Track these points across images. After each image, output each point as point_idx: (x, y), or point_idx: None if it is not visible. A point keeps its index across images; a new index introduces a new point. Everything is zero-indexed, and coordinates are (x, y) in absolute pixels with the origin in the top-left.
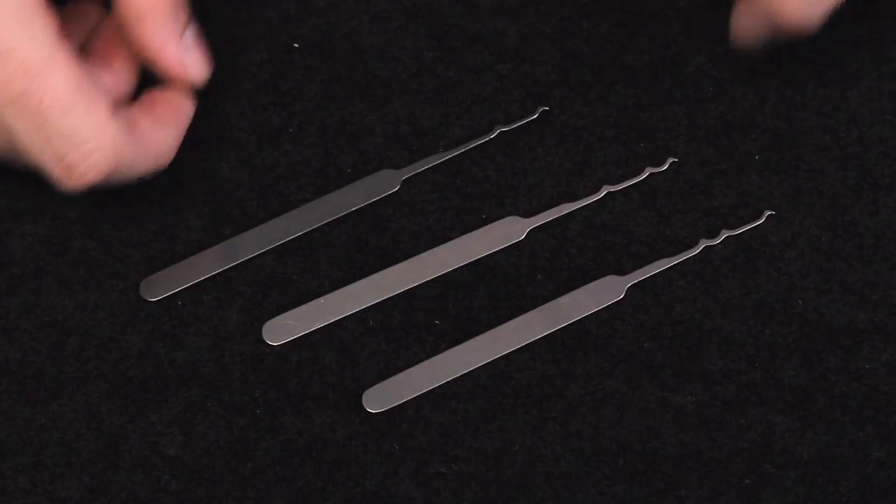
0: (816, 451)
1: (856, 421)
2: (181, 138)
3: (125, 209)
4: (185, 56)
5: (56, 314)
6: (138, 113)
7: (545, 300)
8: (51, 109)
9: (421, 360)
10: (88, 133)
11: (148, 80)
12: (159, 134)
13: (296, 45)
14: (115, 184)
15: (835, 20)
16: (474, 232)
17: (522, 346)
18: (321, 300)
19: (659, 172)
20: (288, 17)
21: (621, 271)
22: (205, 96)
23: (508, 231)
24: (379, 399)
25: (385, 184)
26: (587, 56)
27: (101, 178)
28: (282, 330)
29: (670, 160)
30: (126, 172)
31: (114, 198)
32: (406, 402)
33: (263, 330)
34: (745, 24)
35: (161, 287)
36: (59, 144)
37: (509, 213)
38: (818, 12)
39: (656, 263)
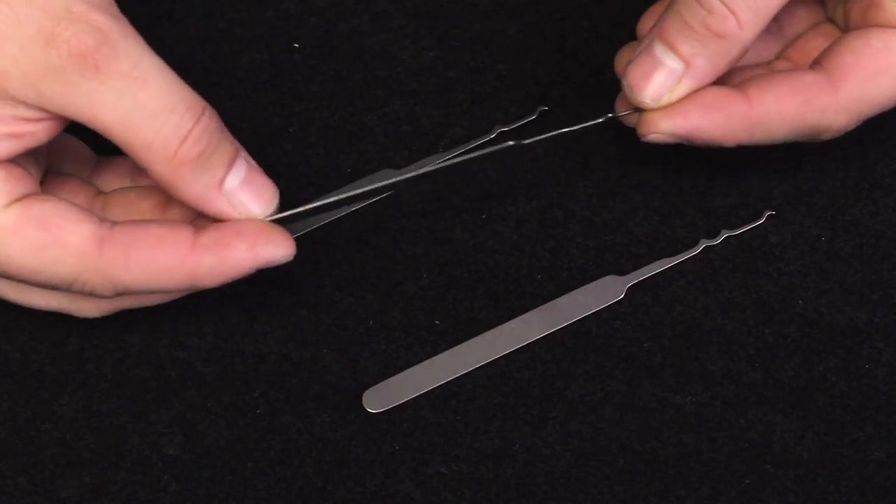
0: (816, 451)
1: (856, 421)
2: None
3: None
4: (231, 201)
5: (56, 314)
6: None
7: (545, 300)
8: None
9: (421, 360)
10: None
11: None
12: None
13: (296, 45)
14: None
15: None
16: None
17: (522, 346)
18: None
19: (658, 172)
20: (288, 17)
21: (621, 271)
22: (205, 96)
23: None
24: (379, 399)
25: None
26: (587, 56)
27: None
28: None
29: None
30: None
31: None
32: (406, 402)
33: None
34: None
35: None
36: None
37: (509, 214)
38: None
39: (656, 263)
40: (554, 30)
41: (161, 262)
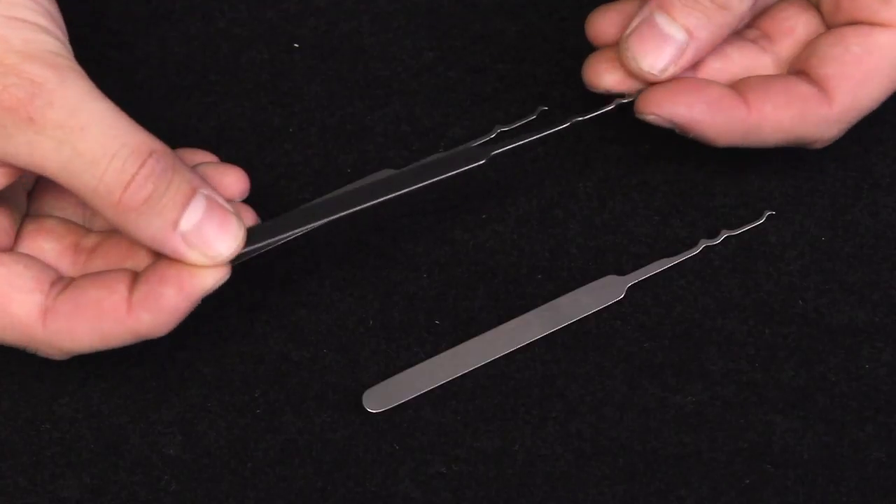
0: (816, 451)
1: (856, 421)
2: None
3: None
4: (189, 241)
5: None
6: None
7: (545, 300)
8: None
9: (421, 360)
10: None
11: None
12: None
13: (296, 45)
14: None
15: None
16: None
17: (522, 346)
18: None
19: (659, 172)
20: (288, 17)
21: (621, 271)
22: (205, 96)
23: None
24: (379, 399)
25: None
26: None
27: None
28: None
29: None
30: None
31: None
32: (406, 402)
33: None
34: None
35: None
36: None
37: (508, 214)
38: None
39: (656, 263)
40: (554, 30)
41: (103, 328)
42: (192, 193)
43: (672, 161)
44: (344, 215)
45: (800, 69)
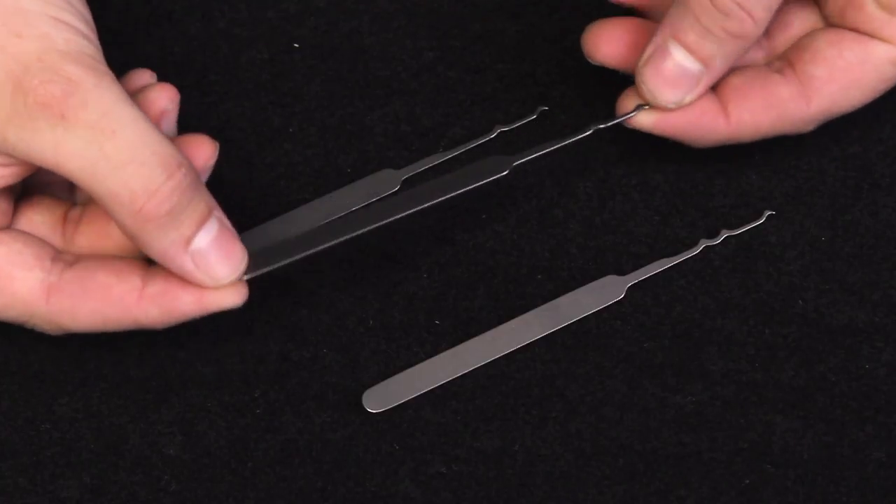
0: (816, 451)
1: (856, 421)
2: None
3: None
4: (196, 261)
5: None
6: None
7: (545, 300)
8: None
9: (421, 360)
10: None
11: None
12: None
13: (296, 45)
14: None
15: None
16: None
17: (522, 346)
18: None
19: (659, 172)
20: (288, 17)
21: (621, 271)
22: (205, 96)
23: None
24: (379, 399)
25: (385, 184)
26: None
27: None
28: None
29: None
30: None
31: None
32: (406, 402)
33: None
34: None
35: None
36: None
37: (508, 214)
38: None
39: (656, 263)
40: (554, 30)
41: (107, 312)
42: (209, 214)
43: (672, 161)
44: (361, 233)
45: (788, 60)
